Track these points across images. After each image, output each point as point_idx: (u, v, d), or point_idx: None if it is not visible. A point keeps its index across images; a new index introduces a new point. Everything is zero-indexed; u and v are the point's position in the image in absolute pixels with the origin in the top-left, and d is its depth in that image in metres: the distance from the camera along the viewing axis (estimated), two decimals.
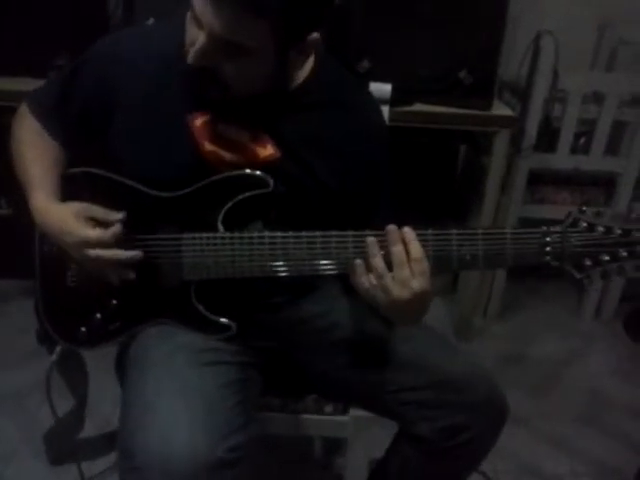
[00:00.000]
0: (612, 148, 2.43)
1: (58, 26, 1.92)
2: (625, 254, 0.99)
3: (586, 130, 2.43)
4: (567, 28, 2.36)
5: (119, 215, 1.11)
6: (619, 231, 0.99)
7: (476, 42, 2.01)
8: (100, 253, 1.09)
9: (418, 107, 2.08)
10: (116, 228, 1.10)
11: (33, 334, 1.27)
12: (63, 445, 1.51)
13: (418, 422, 1.20)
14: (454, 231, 1.03)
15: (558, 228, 1.01)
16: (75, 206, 1.13)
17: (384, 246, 1.01)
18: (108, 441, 1.65)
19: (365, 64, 2.00)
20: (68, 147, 1.22)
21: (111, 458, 1.69)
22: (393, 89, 1.93)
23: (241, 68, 1.01)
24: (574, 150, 2.42)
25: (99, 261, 1.10)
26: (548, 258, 1.02)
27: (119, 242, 1.10)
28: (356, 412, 1.36)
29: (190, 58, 0.99)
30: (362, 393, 1.27)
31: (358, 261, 1.02)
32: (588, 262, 1.00)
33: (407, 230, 1.01)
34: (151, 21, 1.87)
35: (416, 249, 1.00)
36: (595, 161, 2.40)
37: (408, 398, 1.20)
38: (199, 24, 0.97)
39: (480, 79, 2.04)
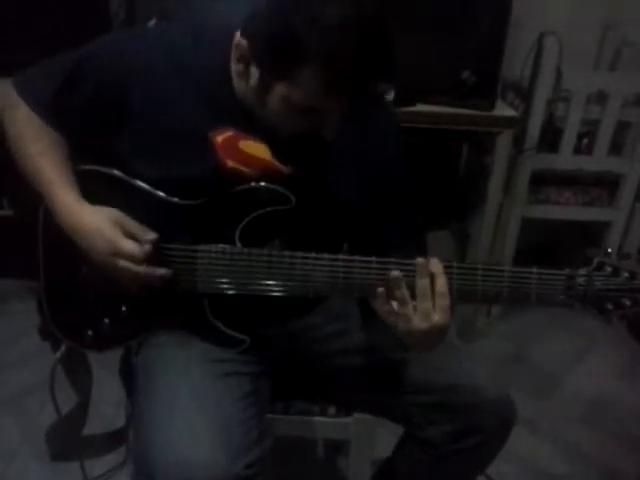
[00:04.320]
0: (615, 148, 2.43)
1: (62, 27, 1.92)
2: None
3: (589, 130, 2.43)
4: (571, 28, 2.36)
5: (153, 235, 1.08)
6: None
7: (479, 42, 2.01)
8: (130, 266, 1.07)
9: (421, 107, 2.08)
10: (149, 247, 1.07)
11: (35, 333, 1.27)
12: (66, 443, 1.51)
13: (425, 426, 1.20)
14: (480, 266, 1.02)
15: (584, 271, 1.01)
16: (112, 213, 1.10)
17: (407, 275, 0.99)
18: (111, 440, 1.65)
19: None
20: (71, 140, 1.17)
21: (114, 457, 1.69)
22: (396, 89, 1.94)
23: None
24: (577, 150, 2.41)
25: (124, 273, 1.08)
26: (571, 300, 1.03)
27: (149, 260, 1.08)
28: (359, 414, 1.35)
29: (332, 136, 1.03)
30: (369, 398, 1.27)
31: (381, 290, 1.00)
32: (610, 305, 1.01)
33: (435, 262, 1.00)
34: (153, 22, 1.87)
35: (441, 283, 0.99)
36: (598, 161, 2.40)
37: (415, 402, 1.20)
38: (323, 110, 0.99)
39: (483, 79, 2.04)
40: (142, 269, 1.07)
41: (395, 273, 1.00)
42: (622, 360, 2.43)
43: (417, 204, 1.22)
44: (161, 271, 1.09)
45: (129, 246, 1.06)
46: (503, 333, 2.53)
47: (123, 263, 1.07)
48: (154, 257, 1.08)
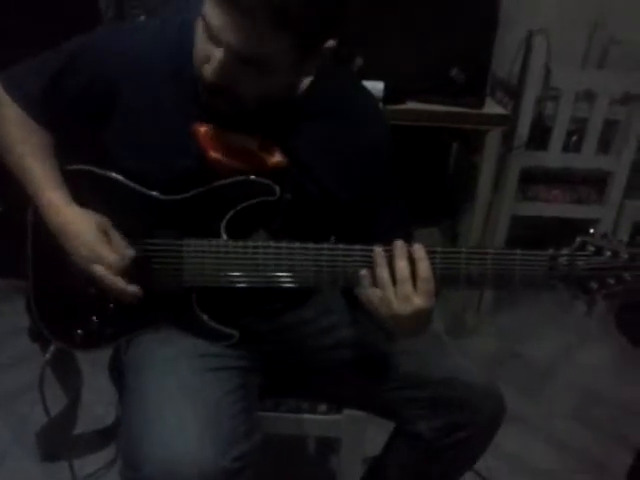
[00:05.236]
0: (604, 146, 2.44)
1: (50, 25, 1.91)
2: (629, 278, 1.00)
3: (578, 128, 2.44)
4: (559, 27, 2.37)
5: (132, 252, 1.09)
6: (626, 255, 1.00)
7: (468, 40, 2.01)
8: (106, 275, 1.07)
9: (410, 105, 2.08)
10: (127, 262, 1.08)
11: (24, 334, 1.26)
12: (56, 443, 1.50)
13: (415, 421, 1.20)
14: (464, 250, 1.02)
15: (566, 251, 1.01)
16: (98, 219, 1.11)
17: (389, 258, 1.00)
18: (101, 438, 1.64)
19: (357, 62, 2.00)
20: (57, 136, 1.17)
21: (103, 456, 1.68)
22: (385, 87, 1.93)
23: (259, 82, 0.99)
24: (566, 148, 2.43)
25: (99, 280, 1.08)
26: (554, 281, 1.02)
27: (125, 274, 1.08)
28: (350, 411, 1.35)
29: (209, 76, 0.97)
30: (359, 393, 1.27)
31: (364, 272, 1.01)
32: (594, 285, 1.01)
33: (417, 247, 1.00)
34: (142, 19, 1.87)
35: (424, 268, 0.99)
36: (587, 159, 2.41)
37: (405, 397, 1.20)
38: (216, 41, 0.94)
39: (472, 77, 2.04)
40: (116, 280, 1.08)
41: (377, 249, 1.00)
42: (612, 356, 2.45)
43: (403, 202, 1.22)
44: (132, 288, 1.09)
45: (108, 255, 1.07)
46: (493, 330, 2.54)
47: (100, 271, 1.07)
48: (131, 273, 1.09)
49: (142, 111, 1.08)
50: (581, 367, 2.36)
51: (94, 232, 1.09)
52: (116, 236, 1.11)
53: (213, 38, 0.95)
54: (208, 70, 0.97)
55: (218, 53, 0.95)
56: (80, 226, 1.09)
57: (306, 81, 1.10)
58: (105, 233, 1.10)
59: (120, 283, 1.08)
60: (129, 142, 1.10)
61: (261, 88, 1.00)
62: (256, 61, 0.94)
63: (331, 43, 1.00)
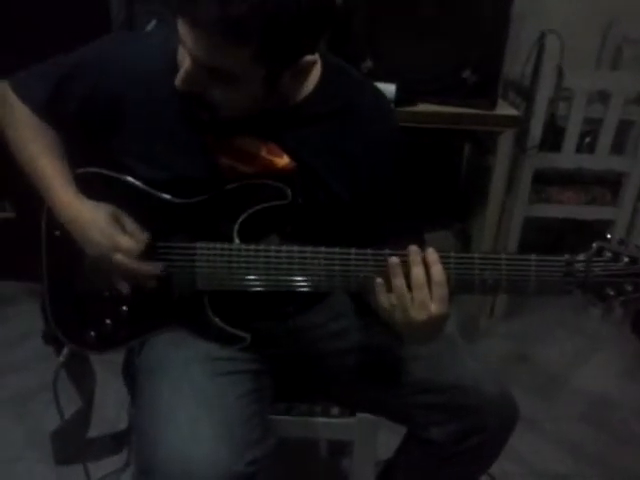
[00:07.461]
0: (618, 147, 2.43)
1: (62, 28, 1.92)
2: None
3: (591, 129, 2.43)
4: (572, 27, 2.36)
5: (147, 235, 1.10)
6: None
7: (480, 41, 2.00)
8: (125, 261, 1.08)
9: (422, 107, 2.07)
10: (144, 245, 1.09)
11: (39, 336, 1.27)
12: (70, 445, 1.51)
13: (428, 426, 1.20)
14: (477, 255, 1.01)
15: (583, 257, 0.99)
16: (111, 209, 1.12)
17: (404, 266, 0.99)
18: (114, 442, 1.65)
19: (368, 64, 2.00)
20: (69, 140, 1.18)
21: (117, 460, 1.68)
22: (397, 89, 1.93)
23: (228, 92, 0.99)
24: (579, 149, 2.41)
25: (119, 267, 1.09)
26: (571, 287, 1.00)
27: (143, 258, 1.10)
28: (362, 414, 1.35)
29: (177, 81, 0.98)
30: (372, 398, 1.27)
31: (379, 280, 1.00)
32: (611, 291, 0.99)
33: (430, 252, 0.99)
34: (153, 23, 1.87)
35: (438, 272, 0.98)
36: (600, 160, 2.40)
37: (418, 402, 1.20)
38: (185, 48, 0.95)
39: (484, 78, 2.03)
40: (136, 264, 1.09)
41: (394, 259, 0.99)
42: (626, 360, 2.43)
43: (413, 203, 1.21)
44: (153, 267, 1.10)
45: (125, 242, 1.08)
46: (506, 333, 2.53)
47: (119, 257, 1.08)
48: (148, 256, 1.10)
49: (149, 121, 1.09)
50: (594, 371, 2.35)
51: (107, 220, 1.10)
52: (129, 222, 1.12)
53: (183, 45, 0.96)
54: (178, 76, 0.98)
55: (187, 60, 0.96)
56: (94, 217, 1.11)
57: (306, 87, 1.09)
58: (118, 221, 1.11)
59: (141, 266, 1.09)
60: (138, 151, 1.11)
61: (232, 97, 1.00)
62: (220, 72, 0.95)
63: (309, 59, 0.99)
